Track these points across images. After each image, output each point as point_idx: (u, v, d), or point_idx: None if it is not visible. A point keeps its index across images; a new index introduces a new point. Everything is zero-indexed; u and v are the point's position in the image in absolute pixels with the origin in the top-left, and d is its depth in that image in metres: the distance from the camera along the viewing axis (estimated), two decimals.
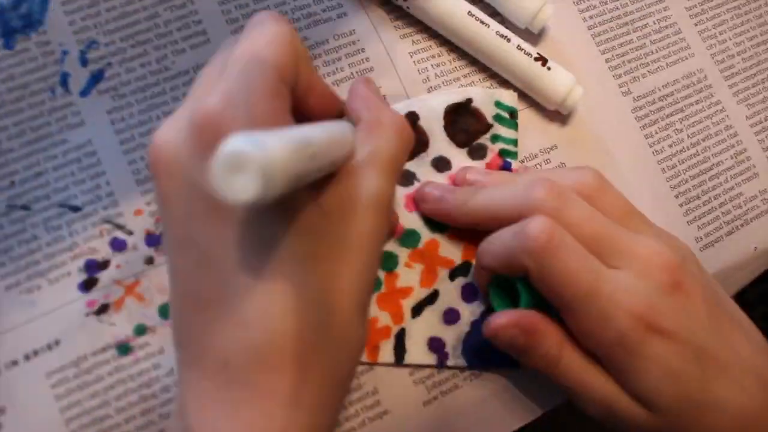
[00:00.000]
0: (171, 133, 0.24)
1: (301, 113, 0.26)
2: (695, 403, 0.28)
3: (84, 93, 0.33)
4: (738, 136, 0.38)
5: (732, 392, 0.28)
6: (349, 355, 0.25)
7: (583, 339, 0.28)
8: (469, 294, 0.33)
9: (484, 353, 0.32)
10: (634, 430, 0.29)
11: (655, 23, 0.39)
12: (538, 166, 0.35)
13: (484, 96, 0.34)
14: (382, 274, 0.32)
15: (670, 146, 0.37)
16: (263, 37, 0.24)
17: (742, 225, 0.37)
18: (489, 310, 0.32)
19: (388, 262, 0.32)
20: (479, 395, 0.32)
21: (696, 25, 0.39)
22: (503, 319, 0.29)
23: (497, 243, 0.29)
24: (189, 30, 0.34)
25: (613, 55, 0.38)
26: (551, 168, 0.35)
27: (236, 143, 0.17)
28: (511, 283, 0.30)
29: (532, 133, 0.36)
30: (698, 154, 0.37)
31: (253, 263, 0.22)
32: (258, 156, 0.17)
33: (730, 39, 0.40)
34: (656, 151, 0.37)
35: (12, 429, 0.29)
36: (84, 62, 0.33)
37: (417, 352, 0.32)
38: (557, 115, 0.36)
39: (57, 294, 0.30)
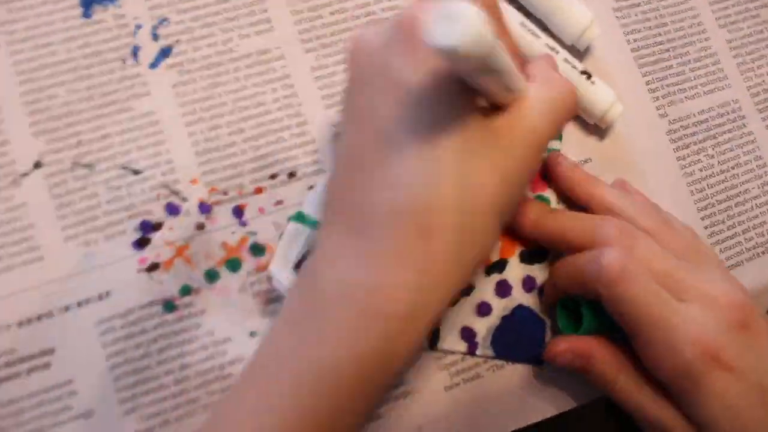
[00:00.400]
0: (371, 36, 0.27)
1: None
2: None
3: (153, 66, 0.35)
4: (767, 167, 0.39)
5: None
6: (479, 250, 0.27)
7: (649, 365, 0.30)
8: (502, 290, 0.34)
9: (511, 347, 0.34)
10: None
11: (696, 52, 0.40)
12: None
13: None
14: None
15: (701, 170, 0.39)
16: None
17: (763, 252, 0.38)
18: (551, 326, 0.34)
19: None
20: (500, 386, 0.34)
21: (735, 57, 0.41)
22: (561, 346, 0.32)
23: (573, 267, 0.31)
24: (255, 17, 0.36)
25: (653, 78, 0.39)
26: (616, 193, 0.35)
27: (456, 2, 0.20)
28: (576, 306, 0.32)
29: (571, 144, 0.37)
30: (727, 181, 0.39)
31: (417, 140, 0.25)
32: (471, 12, 0.20)
33: (767, 74, 0.41)
34: (687, 173, 0.38)
35: (59, 368, 0.31)
36: (155, 37, 0.35)
37: (450, 338, 0.33)
38: (596, 129, 0.37)
39: (112, 249, 0.32)
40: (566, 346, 0.32)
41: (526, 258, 0.35)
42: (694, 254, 0.32)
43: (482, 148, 0.26)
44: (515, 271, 0.35)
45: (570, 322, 0.33)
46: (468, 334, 0.34)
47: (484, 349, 0.34)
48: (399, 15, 0.26)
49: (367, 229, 0.25)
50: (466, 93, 0.25)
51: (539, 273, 0.35)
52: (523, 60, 0.31)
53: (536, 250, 0.35)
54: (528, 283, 0.35)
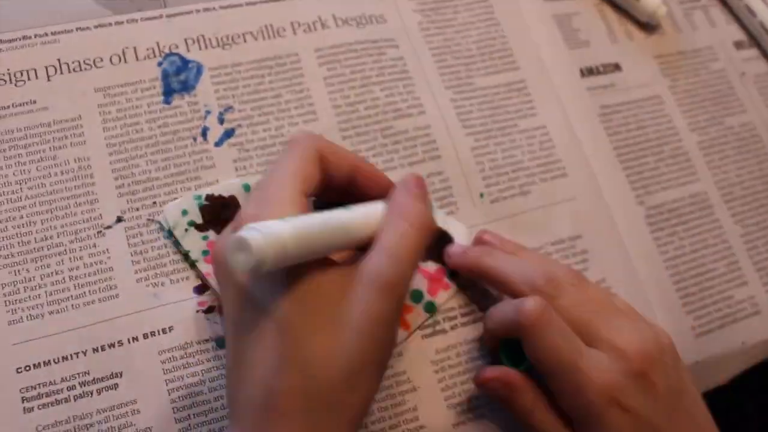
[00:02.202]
0: (222, 240, 0.31)
1: (352, 192, 0.34)
2: None
3: (218, 144, 0.42)
4: (732, 249, 0.46)
5: None
6: (345, 417, 0.29)
7: (561, 402, 0.34)
8: None
9: None
10: None
11: (670, 150, 0.48)
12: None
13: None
14: None
15: (674, 249, 0.45)
16: (290, 160, 0.32)
17: (731, 322, 0.44)
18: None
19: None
20: (499, 426, 0.39)
21: (704, 156, 0.48)
22: (490, 374, 0.36)
23: (500, 313, 0.36)
24: (303, 109, 0.44)
25: (632, 172, 0.47)
26: (548, 258, 0.42)
27: (243, 231, 0.25)
28: (518, 344, 0.36)
29: (560, 221, 0.44)
30: (697, 260, 0.45)
31: (255, 332, 0.29)
32: (254, 245, 0.24)
33: (732, 171, 0.48)
34: (662, 251, 0.45)
35: (126, 389, 0.36)
36: (221, 121, 0.43)
37: None
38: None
39: (176, 292, 0.38)
40: (496, 374, 0.36)
41: None
42: (610, 306, 0.36)
43: (316, 316, 0.29)
44: None
45: (511, 358, 0.37)
46: None
47: None
48: (237, 219, 0.31)
49: (240, 418, 0.30)
50: (295, 270, 0.28)
51: None
52: (387, 182, 0.35)
53: None
54: None
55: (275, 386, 0.28)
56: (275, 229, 0.25)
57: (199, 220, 0.39)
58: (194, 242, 0.39)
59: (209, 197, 0.40)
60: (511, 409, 0.36)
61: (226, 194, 0.40)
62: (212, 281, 0.38)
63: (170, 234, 0.39)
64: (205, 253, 0.39)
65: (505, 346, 0.37)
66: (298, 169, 0.31)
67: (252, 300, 0.29)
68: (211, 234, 0.39)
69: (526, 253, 0.40)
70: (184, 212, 0.39)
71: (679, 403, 0.35)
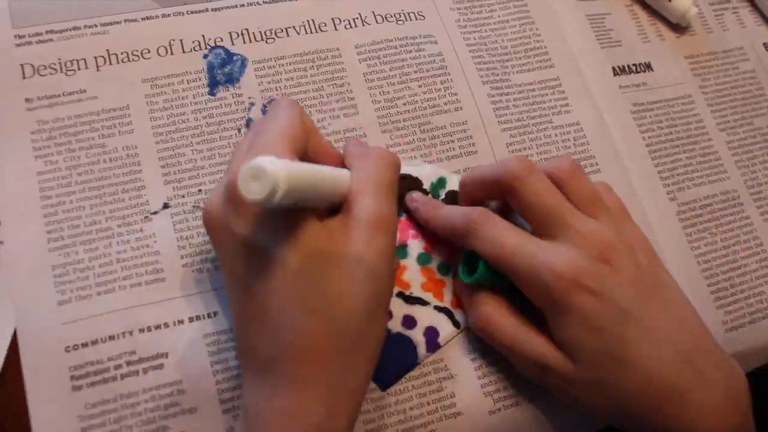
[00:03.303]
0: (213, 199, 0.32)
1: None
2: (615, 359, 0.33)
3: None
4: (763, 246, 0.47)
5: (649, 356, 0.33)
6: (366, 353, 0.31)
7: (527, 292, 0.35)
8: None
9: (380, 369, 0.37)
10: (563, 384, 0.34)
11: (701, 149, 0.49)
12: None
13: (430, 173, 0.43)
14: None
15: (706, 245, 0.46)
16: (280, 119, 0.32)
17: (762, 318, 0.45)
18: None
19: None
20: (534, 414, 0.39)
21: (733, 156, 0.49)
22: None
23: (479, 173, 0.38)
24: (344, 102, 0.45)
25: (664, 168, 0.47)
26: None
27: (257, 160, 0.25)
28: (475, 259, 0.37)
29: None
30: (728, 255, 0.46)
31: (273, 282, 0.30)
32: (270, 169, 0.25)
33: (760, 171, 0.49)
34: (694, 247, 0.46)
35: (171, 370, 0.37)
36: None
37: None
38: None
39: (220, 277, 0.39)
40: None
41: (409, 299, 0.40)
42: (591, 203, 0.36)
43: (330, 262, 0.30)
44: (397, 309, 0.39)
45: (466, 271, 0.38)
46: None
47: None
48: (226, 175, 0.32)
49: (264, 367, 0.30)
50: (295, 223, 0.30)
51: (421, 315, 0.40)
52: (338, 154, 0.36)
53: (417, 297, 0.40)
54: (407, 323, 0.39)
55: (303, 330, 0.29)
56: (284, 162, 0.26)
57: None
58: None
59: None
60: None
61: None
62: None
63: None
64: None
65: (466, 259, 0.39)
66: (289, 129, 0.32)
67: (258, 250, 0.30)
68: None
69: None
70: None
71: (654, 292, 0.34)
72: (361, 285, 0.30)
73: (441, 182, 0.43)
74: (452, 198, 0.42)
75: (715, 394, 0.33)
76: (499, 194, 0.37)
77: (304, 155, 0.33)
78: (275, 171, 0.25)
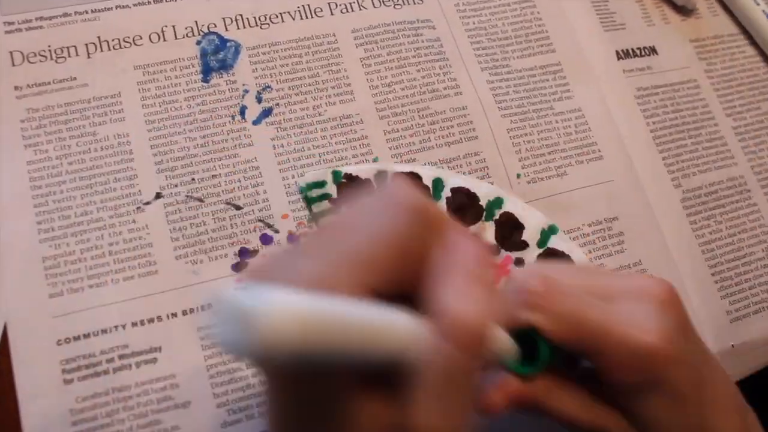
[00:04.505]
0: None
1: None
2: (696, 427, 0.28)
3: (256, 122, 0.42)
4: None
5: (725, 421, 0.28)
6: None
7: (606, 376, 0.28)
8: None
9: None
10: None
11: (707, 134, 0.47)
12: (604, 221, 0.43)
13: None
14: None
15: (711, 233, 0.45)
16: (373, 226, 0.22)
17: (767, 307, 0.44)
18: None
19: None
20: None
21: (740, 141, 0.48)
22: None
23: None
24: (340, 89, 0.44)
25: (669, 155, 0.46)
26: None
27: (239, 295, 0.16)
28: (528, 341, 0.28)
29: (596, 202, 0.44)
30: (734, 243, 0.45)
31: None
32: (253, 311, 0.15)
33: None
34: (698, 235, 0.45)
35: (164, 364, 0.36)
36: (259, 100, 0.43)
37: None
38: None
39: (214, 269, 0.39)
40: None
41: None
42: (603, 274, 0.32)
43: None
44: None
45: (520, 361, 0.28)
46: None
47: None
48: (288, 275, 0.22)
49: None
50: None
51: None
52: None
53: None
54: None
55: None
56: (280, 301, 0.16)
57: (334, 195, 0.41)
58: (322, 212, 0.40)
59: (347, 176, 0.41)
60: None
61: (363, 176, 0.41)
62: None
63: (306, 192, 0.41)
64: None
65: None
66: (376, 248, 0.22)
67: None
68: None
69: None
70: (323, 183, 0.41)
71: (704, 346, 0.30)
72: None
73: (498, 202, 0.42)
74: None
75: None
76: None
77: (403, 284, 0.23)
78: (261, 317, 0.16)
